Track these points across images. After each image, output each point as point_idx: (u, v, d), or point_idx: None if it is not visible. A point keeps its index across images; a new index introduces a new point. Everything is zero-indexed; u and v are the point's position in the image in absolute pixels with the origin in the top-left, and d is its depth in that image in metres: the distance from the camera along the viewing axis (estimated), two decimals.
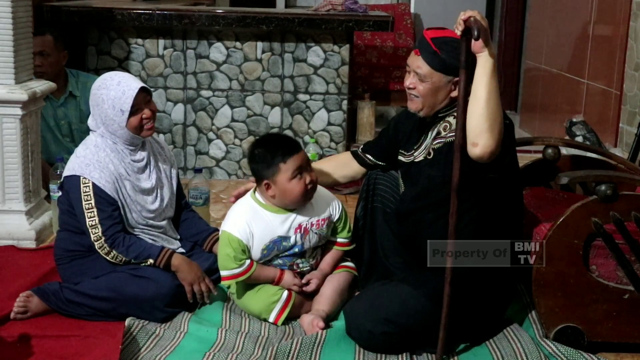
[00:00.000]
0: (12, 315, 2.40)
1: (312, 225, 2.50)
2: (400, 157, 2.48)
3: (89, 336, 2.30)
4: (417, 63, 2.28)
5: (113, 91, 2.46)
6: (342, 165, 2.72)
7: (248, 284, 2.51)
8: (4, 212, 3.06)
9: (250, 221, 2.44)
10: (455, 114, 2.29)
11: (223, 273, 2.47)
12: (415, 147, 2.40)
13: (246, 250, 2.44)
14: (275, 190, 2.43)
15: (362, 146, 2.73)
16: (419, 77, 2.28)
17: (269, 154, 2.42)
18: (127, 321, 2.36)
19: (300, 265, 2.53)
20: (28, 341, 2.26)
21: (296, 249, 2.49)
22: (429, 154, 2.34)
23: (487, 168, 2.14)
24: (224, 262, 2.45)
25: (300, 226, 2.47)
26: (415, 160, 2.39)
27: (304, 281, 2.51)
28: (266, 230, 2.45)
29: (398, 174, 2.53)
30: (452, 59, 2.21)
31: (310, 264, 2.56)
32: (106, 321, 2.39)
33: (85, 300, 2.41)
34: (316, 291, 2.53)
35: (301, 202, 2.46)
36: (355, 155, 2.70)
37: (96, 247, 2.43)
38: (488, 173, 2.18)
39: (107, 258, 2.44)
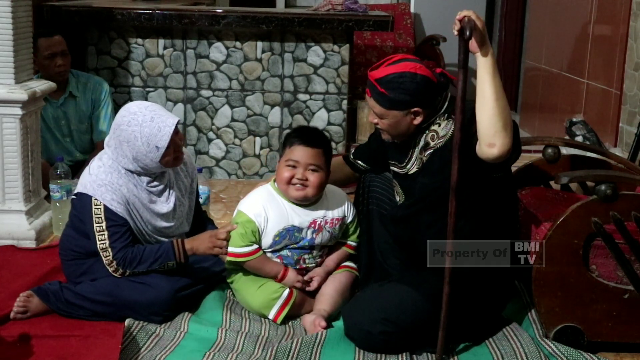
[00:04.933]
0: (12, 315, 2.40)
1: (326, 223, 2.55)
2: (393, 168, 2.49)
3: (88, 336, 2.29)
4: (370, 103, 2.34)
5: (147, 128, 2.39)
6: (334, 170, 2.70)
7: (251, 280, 2.53)
8: (4, 212, 3.06)
9: (266, 205, 2.51)
10: (439, 121, 2.30)
11: (230, 250, 2.50)
12: (406, 160, 2.41)
13: (256, 233, 2.49)
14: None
15: (352, 151, 2.76)
16: (377, 115, 2.32)
17: (291, 135, 2.54)
18: (127, 321, 2.36)
19: (307, 260, 2.56)
20: (28, 341, 2.26)
21: (306, 243, 2.52)
22: (420, 165, 2.34)
23: (494, 167, 2.14)
24: (233, 238, 2.49)
25: (315, 222, 2.53)
26: (409, 172, 2.39)
27: (306, 278, 2.54)
28: (281, 217, 2.50)
29: (393, 181, 2.53)
30: (401, 95, 2.25)
31: (316, 261, 2.59)
32: (106, 321, 2.39)
33: (84, 302, 2.41)
34: (317, 289, 2.55)
35: (285, 192, 2.50)
36: (347, 161, 2.73)
37: (110, 270, 2.43)
38: (495, 172, 2.18)
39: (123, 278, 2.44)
